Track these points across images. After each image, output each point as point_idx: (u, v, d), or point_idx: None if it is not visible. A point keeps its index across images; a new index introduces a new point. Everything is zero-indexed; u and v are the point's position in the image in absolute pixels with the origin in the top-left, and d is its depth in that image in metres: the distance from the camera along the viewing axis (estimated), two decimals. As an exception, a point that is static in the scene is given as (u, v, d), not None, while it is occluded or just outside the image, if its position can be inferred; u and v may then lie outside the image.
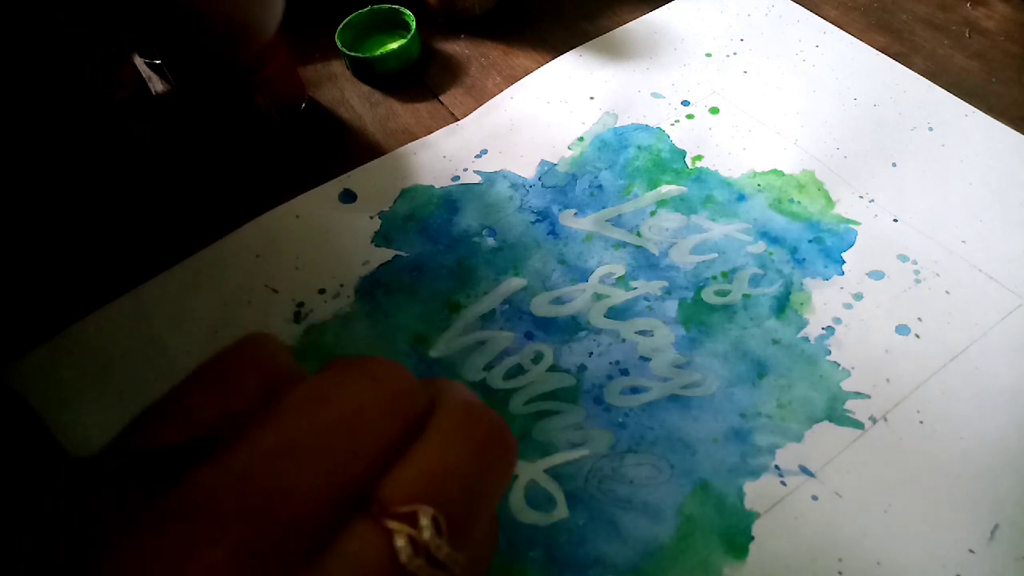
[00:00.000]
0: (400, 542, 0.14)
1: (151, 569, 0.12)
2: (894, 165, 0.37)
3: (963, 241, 0.34)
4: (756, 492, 0.27)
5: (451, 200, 0.37)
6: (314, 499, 0.13)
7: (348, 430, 0.15)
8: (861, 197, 0.36)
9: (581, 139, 0.39)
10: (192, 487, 0.13)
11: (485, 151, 0.39)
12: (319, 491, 0.14)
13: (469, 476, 0.16)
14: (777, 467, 0.28)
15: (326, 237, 0.36)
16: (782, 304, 0.32)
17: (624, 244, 0.35)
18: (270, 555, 0.13)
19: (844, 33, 0.43)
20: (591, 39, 0.44)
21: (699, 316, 0.32)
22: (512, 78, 0.43)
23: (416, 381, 0.17)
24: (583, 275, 0.34)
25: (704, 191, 0.36)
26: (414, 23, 0.43)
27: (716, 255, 0.34)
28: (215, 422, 0.15)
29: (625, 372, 0.31)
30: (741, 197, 0.36)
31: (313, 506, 0.13)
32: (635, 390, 0.30)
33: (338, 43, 0.43)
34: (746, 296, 0.33)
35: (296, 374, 0.17)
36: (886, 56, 0.42)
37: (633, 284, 0.33)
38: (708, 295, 0.33)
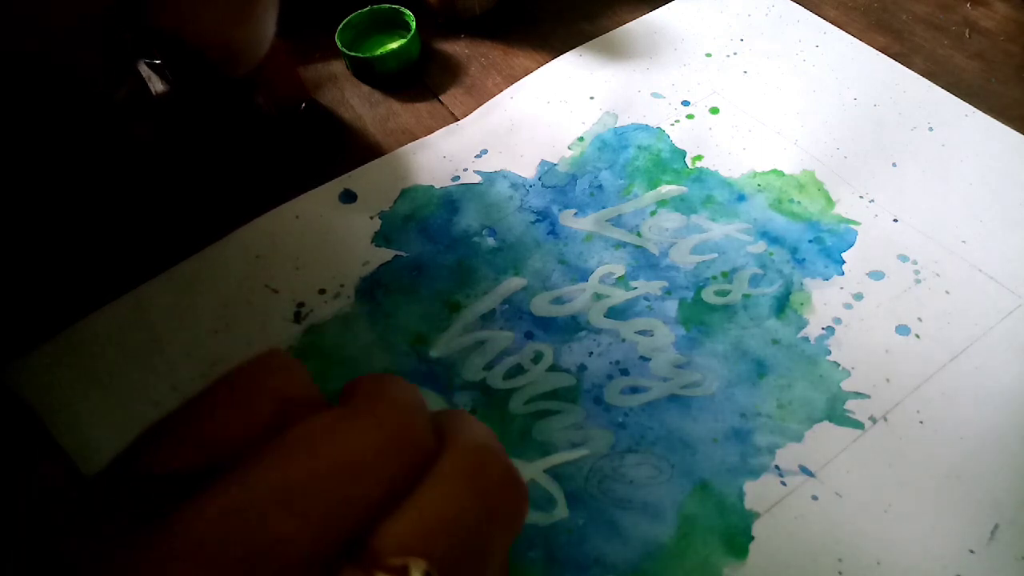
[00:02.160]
0: None
1: None
2: (894, 165, 0.37)
3: (963, 241, 0.34)
4: (756, 492, 0.27)
5: (451, 200, 0.37)
6: (303, 549, 0.13)
7: (344, 478, 0.14)
8: (861, 197, 0.36)
9: (581, 139, 0.39)
10: (177, 526, 0.13)
11: (485, 151, 0.39)
12: (309, 540, 0.13)
13: (470, 528, 0.15)
14: (777, 467, 0.28)
15: (326, 237, 0.36)
16: (782, 304, 0.32)
17: (624, 244, 0.35)
18: None
19: (844, 33, 0.43)
20: (591, 39, 0.44)
21: (699, 316, 0.32)
22: (512, 78, 0.43)
23: (426, 418, 0.16)
24: (583, 275, 0.34)
25: (704, 191, 0.36)
26: (414, 23, 0.43)
27: (716, 255, 0.34)
28: (224, 447, 0.15)
29: (625, 372, 0.31)
30: (741, 197, 0.36)
31: (302, 556, 0.13)
32: (635, 390, 0.30)
33: (338, 43, 0.43)
34: (746, 296, 0.33)
35: (310, 397, 0.16)
36: (886, 56, 0.42)
37: (633, 284, 0.33)
38: (708, 295, 0.33)
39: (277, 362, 0.16)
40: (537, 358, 0.31)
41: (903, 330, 0.31)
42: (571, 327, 0.32)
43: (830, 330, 0.31)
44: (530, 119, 0.40)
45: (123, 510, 0.13)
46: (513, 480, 0.16)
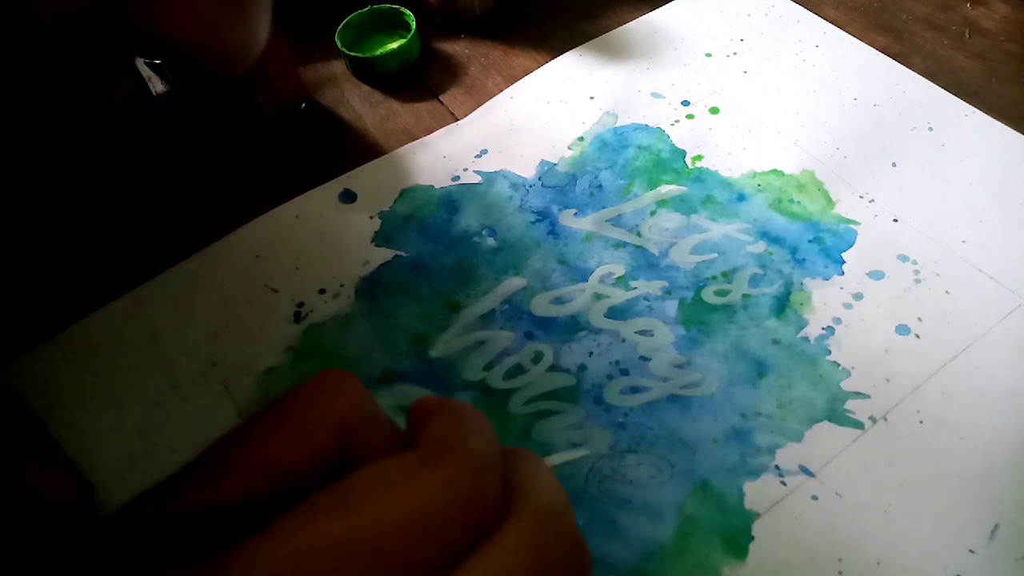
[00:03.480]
0: None
1: None
2: (894, 165, 0.37)
3: (963, 241, 0.34)
4: (756, 492, 0.27)
5: (451, 200, 0.37)
6: None
7: (409, 536, 0.13)
8: (861, 197, 0.35)
9: (581, 139, 0.39)
10: (235, 566, 0.12)
11: (485, 151, 0.39)
12: None
13: None
14: (777, 467, 0.28)
15: (326, 237, 0.36)
16: (782, 304, 0.32)
17: (624, 244, 0.35)
18: None
19: (844, 33, 0.43)
20: (591, 39, 0.44)
21: (699, 316, 0.32)
22: (512, 78, 0.43)
23: (499, 473, 0.15)
24: (583, 275, 0.34)
25: (704, 191, 0.36)
26: (414, 23, 0.43)
27: (716, 255, 0.34)
28: (283, 475, 0.15)
29: (625, 372, 0.31)
30: (741, 197, 0.36)
31: None
32: (635, 390, 0.30)
33: (338, 43, 0.43)
34: (746, 296, 0.33)
35: (373, 419, 0.16)
36: (886, 56, 0.42)
37: (633, 284, 0.33)
38: (708, 295, 0.33)
39: (338, 384, 0.16)
40: (537, 358, 0.31)
41: (903, 330, 0.31)
42: (571, 327, 0.32)
43: (830, 330, 0.31)
44: (530, 119, 0.40)
45: (160, 546, 0.13)
46: (579, 554, 0.16)
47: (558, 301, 0.33)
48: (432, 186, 0.37)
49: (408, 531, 0.13)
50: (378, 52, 0.43)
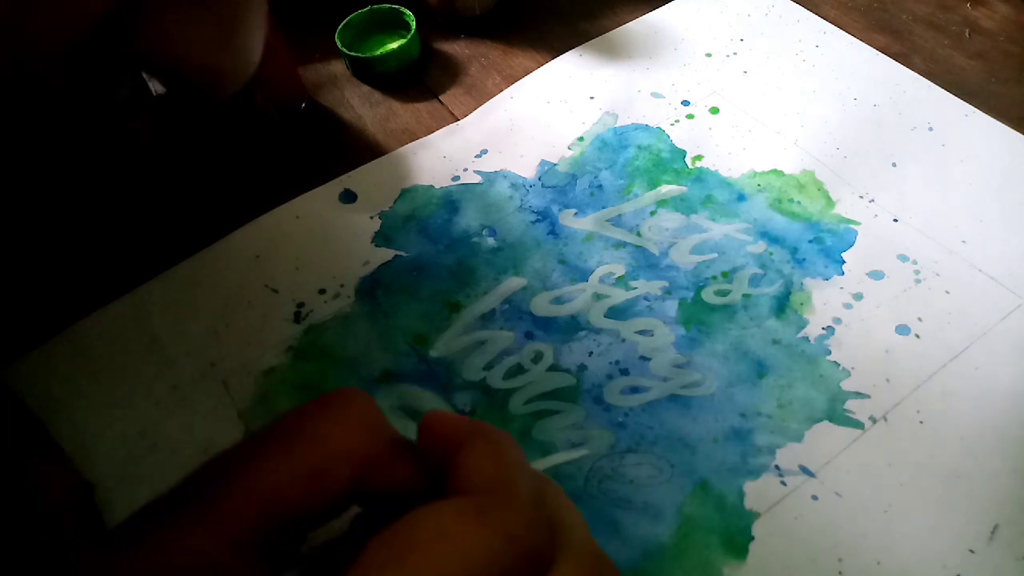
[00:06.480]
0: None
1: None
2: (894, 165, 0.37)
3: (963, 241, 0.34)
4: (756, 492, 0.27)
5: (451, 200, 0.37)
6: None
7: None
8: (861, 197, 0.36)
9: (581, 139, 0.39)
10: None
11: (485, 151, 0.39)
12: None
13: None
14: (777, 467, 0.28)
15: (326, 237, 0.36)
16: (782, 304, 0.32)
17: (624, 244, 0.35)
18: None
19: (844, 33, 0.43)
20: (591, 39, 0.44)
21: (699, 316, 0.32)
22: (512, 78, 0.43)
23: (543, 517, 0.16)
24: (583, 275, 0.34)
25: (704, 191, 0.36)
26: (414, 23, 0.43)
27: (716, 255, 0.34)
28: (295, 517, 0.15)
29: (625, 372, 0.31)
30: (741, 197, 0.36)
31: None
32: (635, 390, 0.30)
33: (338, 43, 0.43)
34: (746, 296, 0.33)
35: (392, 451, 0.16)
36: (886, 56, 0.42)
37: (633, 284, 0.33)
38: (708, 295, 0.33)
39: (356, 413, 0.16)
40: (537, 358, 0.31)
41: (903, 330, 0.31)
42: (571, 327, 0.32)
43: (830, 330, 0.31)
44: (530, 119, 0.40)
45: None
46: None
47: (558, 301, 0.33)
48: (432, 186, 0.37)
49: None
50: (378, 52, 0.43)
